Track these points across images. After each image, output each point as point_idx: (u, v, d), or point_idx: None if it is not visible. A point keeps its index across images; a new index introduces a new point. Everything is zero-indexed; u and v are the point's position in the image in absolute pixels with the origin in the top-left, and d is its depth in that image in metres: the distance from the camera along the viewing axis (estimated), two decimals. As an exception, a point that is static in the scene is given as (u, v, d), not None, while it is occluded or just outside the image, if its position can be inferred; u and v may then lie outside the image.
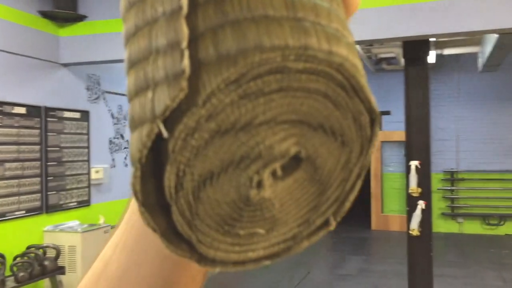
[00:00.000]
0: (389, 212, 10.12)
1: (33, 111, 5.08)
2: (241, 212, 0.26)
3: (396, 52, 7.52)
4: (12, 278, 4.44)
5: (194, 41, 0.23)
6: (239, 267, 0.27)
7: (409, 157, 4.86)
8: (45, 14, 5.24)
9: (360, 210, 9.56)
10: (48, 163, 5.26)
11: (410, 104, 4.85)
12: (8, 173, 4.78)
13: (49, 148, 5.26)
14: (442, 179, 9.91)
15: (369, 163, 0.28)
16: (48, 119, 5.26)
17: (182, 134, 0.23)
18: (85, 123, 5.83)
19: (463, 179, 9.89)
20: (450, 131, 9.91)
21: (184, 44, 0.23)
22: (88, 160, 5.88)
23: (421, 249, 4.80)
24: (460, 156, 9.90)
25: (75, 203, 5.66)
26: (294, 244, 0.28)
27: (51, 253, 4.86)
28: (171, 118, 0.23)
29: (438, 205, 9.78)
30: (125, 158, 6.66)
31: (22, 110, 4.94)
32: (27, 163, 4.99)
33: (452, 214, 9.89)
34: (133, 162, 0.24)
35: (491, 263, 7.46)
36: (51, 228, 5.21)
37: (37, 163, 5.13)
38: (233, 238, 0.26)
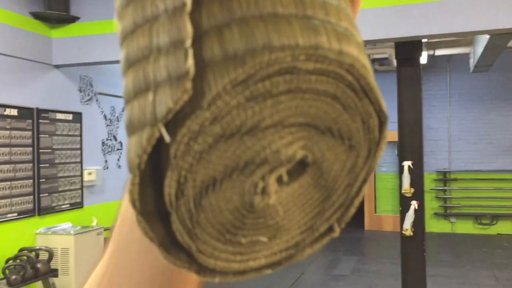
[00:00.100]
0: (382, 212, 10.15)
1: (25, 112, 5.05)
2: (244, 219, 0.24)
3: (389, 52, 7.55)
4: (4, 281, 4.41)
5: (197, 40, 0.22)
6: (240, 277, 0.26)
7: (402, 157, 4.88)
8: (37, 16, 5.21)
9: (354, 211, 9.56)
10: (41, 165, 5.23)
11: (402, 104, 4.87)
12: None
13: (41, 150, 5.23)
14: (435, 179, 9.96)
15: (375, 168, 0.27)
16: (40, 120, 5.23)
17: (185, 138, 0.22)
18: (78, 125, 5.81)
19: (455, 179, 9.94)
20: (442, 131, 9.96)
21: (188, 42, 0.22)
22: (80, 162, 5.85)
23: (414, 249, 4.82)
24: (453, 156, 9.95)
25: (68, 205, 5.63)
26: (297, 252, 0.27)
27: (43, 256, 4.83)
28: (173, 122, 0.22)
29: (431, 205, 9.83)
30: (118, 159, 6.64)
31: (14, 112, 4.91)
32: (19, 165, 4.96)
33: (445, 214, 9.94)
34: (131, 169, 0.23)
35: (483, 262, 7.50)
36: (43, 230, 5.18)
37: (29, 165, 5.10)
38: (234, 247, 0.25)
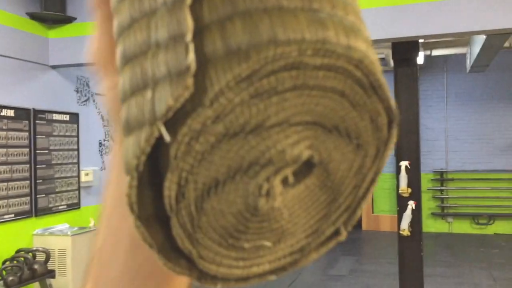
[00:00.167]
0: (379, 213, 10.17)
1: (22, 113, 5.03)
2: (247, 223, 0.23)
3: (386, 53, 7.56)
4: (1, 282, 4.39)
5: (198, 34, 0.21)
6: (242, 283, 0.25)
7: (399, 158, 4.88)
8: (33, 16, 5.20)
9: (351, 211, 9.56)
10: (37, 166, 5.21)
11: (399, 104, 4.87)
12: (-4, 176, 4.73)
13: (38, 151, 5.22)
14: (432, 179, 9.97)
15: (383, 168, 0.26)
16: (37, 121, 5.22)
17: (185, 138, 0.21)
18: (75, 126, 5.79)
19: (452, 179, 9.96)
20: (439, 131, 9.98)
21: (189, 36, 0.21)
22: (77, 163, 5.84)
23: (411, 249, 4.82)
24: (450, 156, 9.97)
25: (65, 206, 5.62)
26: (302, 257, 0.26)
27: (40, 257, 4.82)
28: (174, 120, 0.21)
29: (428, 205, 9.84)
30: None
31: (11, 113, 4.90)
32: (15, 166, 4.95)
33: (442, 214, 9.95)
34: (128, 171, 0.22)
35: (481, 262, 7.51)
36: (40, 231, 5.16)
37: (26, 166, 5.09)
38: (237, 252, 0.24)
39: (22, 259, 4.65)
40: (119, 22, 0.25)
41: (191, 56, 0.21)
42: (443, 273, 6.90)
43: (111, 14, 0.26)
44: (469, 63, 7.92)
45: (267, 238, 0.24)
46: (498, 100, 9.67)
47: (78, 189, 5.84)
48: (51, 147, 5.41)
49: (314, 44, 0.21)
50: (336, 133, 0.24)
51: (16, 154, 4.96)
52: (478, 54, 6.79)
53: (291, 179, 0.23)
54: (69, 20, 5.35)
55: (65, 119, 5.64)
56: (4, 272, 4.44)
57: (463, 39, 7.33)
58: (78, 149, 5.83)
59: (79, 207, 5.85)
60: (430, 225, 9.87)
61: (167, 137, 0.21)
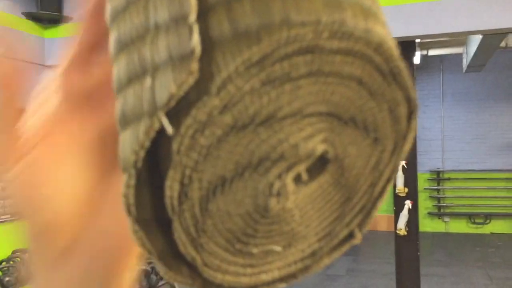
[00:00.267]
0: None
1: (18, 113, 5.02)
2: (256, 226, 0.21)
3: (382, 53, 7.56)
4: (-3, 283, 4.38)
5: (202, 15, 0.19)
6: None
7: (395, 157, 4.89)
8: (29, 16, 5.18)
9: (348, 211, 9.59)
10: (34, 166, 5.20)
11: (396, 104, 4.88)
12: (-8, 177, 4.72)
13: (34, 151, 5.20)
14: (429, 179, 9.99)
15: (400, 165, 0.24)
16: (33, 121, 5.20)
17: (190, 130, 0.19)
18: (71, 126, 5.78)
19: (449, 179, 9.98)
20: (435, 131, 10.00)
21: (193, 17, 0.19)
22: (74, 163, 5.82)
23: (408, 249, 4.83)
24: (446, 156, 9.99)
25: (61, 207, 5.61)
26: (313, 263, 0.24)
27: (37, 257, 4.81)
28: (176, 111, 0.19)
29: (425, 204, 9.86)
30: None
31: (7, 113, 4.89)
32: (12, 167, 4.93)
33: (439, 213, 9.97)
34: (125, 168, 0.20)
35: (477, 261, 7.53)
36: (37, 232, 5.15)
37: (22, 166, 5.07)
38: (245, 258, 0.22)
39: (19, 259, 4.63)
40: (113, 6, 0.23)
41: (196, 38, 0.19)
42: (439, 273, 6.91)
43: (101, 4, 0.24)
44: (465, 63, 7.94)
45: (277, 242, 0.22)
46: (494, 100, 9.70)
47: (75, 189, 5.82)
48: (48, 147, 5.40)
49: (331, 25, 0.19)
50: (352, 126, 0.22)
51: (12, 155, 4.94)
52: (475, 54, 6.81)
53: (304, 176, 0.21)
54: (65, 20, 5.34)
55: (61, 119, 5.62)
56: (0, 273, 4.42)
57: (459, 39, 7.35)
58: (74, 149, 5.82)
59: (76, 208, 5.83)
60: (427, 225, 9.89)
61: (169, 129, 0.19)
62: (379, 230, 9.87)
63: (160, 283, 4.77)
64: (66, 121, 0.28)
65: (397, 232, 4.82)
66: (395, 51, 0.21)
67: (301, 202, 0.22)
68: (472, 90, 9.76)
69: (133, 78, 0.20)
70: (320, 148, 0.21)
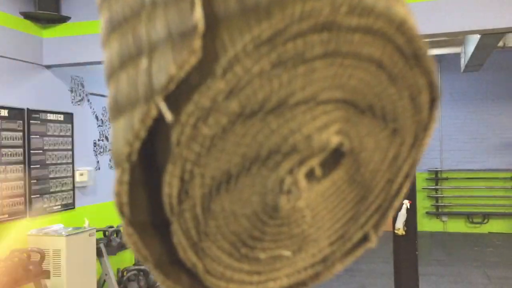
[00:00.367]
0: (374, 212, 10.19)
1: (16, 113, 5.00)
2: (264, 228, 0.19)
3: (380, 52, 7.56)
4: (-5, 283, 4.37)
5: None
6: None
7: (394, 157, 4.89)
8: (27, 16, 5.17)
9: (346, 210, 9.59)
10: (32, 166, 5.19)
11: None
12: (-10, 177, 4.71)
13: (32, 151, 5.19)
14: (427, 179, 9.99)
15: (419, 160, 0.21)
16: (31, 121, 5.19)
17: (191, 118, 0.17)
18: (69, 125, 5.76)
19: (447, 178, 9.98)
20: (434, 130, 10.01)
21: None
22: (72, 163, 5.81)
23: (406, 248, 4.83)
24: (444, 156, 9.99)
25: (59, 207, 5.59)
26: (324, 269, 0.22)
27: (35, 257, 4.79)
28: (176, 96, 0.17)
29: (423, 204, 9.86)
30: (110, 160, 6.60)
31: (4, 113, 4.87)
32: (10, 166, 4.92)
33: (437, 213, 9.97)
34: (118, 162, 0.18)
35: (475, 261, 7.54)
36: (35, 232, 5.14)
37: (20, 166, 5.06)
38: (251, 264, 0.20)
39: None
40: None
41: (198, 11, 0.16)
42: (438, 272, 6.91)
43: None
44: (463, 62, 7.94)
45: (286, 246, 0.20)
46: (492, 99, 9.70)
47: (73, 189, 5.81)
48: (45, 147, 5.38)
49: (350, 0, 0.16)
50: (370, 115, 0.19)
51: (10, 154, 4.93)
52: (472, 54, 6.81)
53: (318, 171, 0.19)
54: (64, 19, 5.33)
55: (59, 119, 5.61)
56: (-2, 273, 4.41)
57: (457, 38, 7.35)
58: (72, 149, 5.80)
59: (74, 208, 5.82)
60: (425, 224, 9.89)
61: (168, 116, 0.16)
62: (378, 230, 9.88)
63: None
64: None
65: (396, 231, 4.82)
66: (417, 32, 0.19)
67: (313, 201, 0.19)
68: (470, 89, 9.75)
69: (127, 60, 0.18)
70: (335, 140, 0.19)
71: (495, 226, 9.70)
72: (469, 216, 9.81)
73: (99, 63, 5.42)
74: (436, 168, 10.02)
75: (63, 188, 5.67)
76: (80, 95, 6.01)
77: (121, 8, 0.18)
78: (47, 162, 5.41)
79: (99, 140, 6.40)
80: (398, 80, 0.19)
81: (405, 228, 4.80)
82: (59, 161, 5.60)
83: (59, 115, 5.61)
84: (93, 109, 6.28)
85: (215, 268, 0.19)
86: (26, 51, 5.19)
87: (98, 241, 5.40)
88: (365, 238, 0.22)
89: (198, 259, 0.19)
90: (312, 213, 0.20)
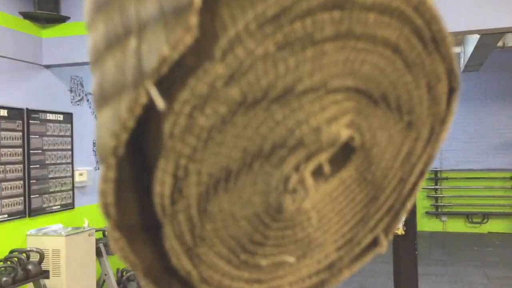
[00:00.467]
0: (374, 212, 10.19)
1: (15, 113, 5.00)
2: (267, 231, 0.17)
3: (380, 52, 7.56)
4: (-6, 283, 4.36)
5: None
6: None
7: (393, 157, 4.89)
8: (26, 15, 5.16)
9: (346, 210, 9.60)
10: (31, 166, 5.18)
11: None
12: (-10, 177, 4.71)
13: (31, 151, 5.18)
14: (426, 178, 9.98)
15: (435, 157, 0.19)
16: (31, 121, 5.18)
17: (186, 106, 0.14)
18: (69, 125, 5.76)
19: (446, 178, 9.98)
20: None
21: None
22: (71, 163, 5.80)
23: (406, 248, 4.83)
24: (444, 155, 9.98)
25: (59, 206, 5.59)
26: (330, 277, 0.19)
27: (34, 257, 4.79)
28: (169, 82, 0.14)
29: (423, 204, 9.86)
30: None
31: (4, 113, 4.86)
32: (9, 166, 4.91)
33: (436, 212, 9.97)
34: (103, 157, 0.15)
35: (475, 260, 7.54)
36: (34, 231, 5.13)
37: (20, 166, 5.05)
38: (251, 271, 0.17)
39: (16, 259, 4.61)
40: None
41: None
42: (437, 272, 6.91)
43: None
44: (462, 62, 7.94)
45: (290, 251, 0.18)
46: (492, 99, 9.70)
47: (72, 189, 5.81)
48: (45, 147, 5.38)
49: None
50: (383, 106, 0.17)
51: (10, 154, 4.92)
52: (472, 54, 6.81)
53: (326, 168, 0.17)
54: (63, 19, 5.32)
55: (59, 119, 5.60)
56: (-3, 273, 4.41)
57: (456, 38, 7.35)
58: (72, 149, 5.80)
59: (73, 207, 5.81)
60: (425, 224, 9.89)
61: (160, 103, 0.14)
62: (377, 230, 9.88)
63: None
64: None
65: (395, 231, 4.82)
66: (438, 12, 0.17)
67: (320, 202, 0.17)
68: (469, 89, 9.75)
69: (114, 42, 0.15)
70: (345, 134, 0.16)
71: (494, 226, 9.69)
72: (468, 216, 9.81)
73: (98, 63, 5.42)
74: (435, 168, 10.02)
75: (63, 188, 5.66)
76: (79, 95, 6.01)
77: None
78: (47, 162, 5.41)
79: (98, 140, 6.40)
80: (415, 67, 0.17)
81: (405, 228, 4.80)
82: (58, 161, 5.59)
83: (58, 115, 5.60)
84: (93, 109, 6.27)
85: (211, 276, 0.17)
86: (25, 51, 5.18)
87: (97, 241, 5.39)
88: (374, 242, 0.20)
89: (193, 267, 0.16)
90: (318, 215, 0.18)
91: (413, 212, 4.87)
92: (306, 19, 0.14)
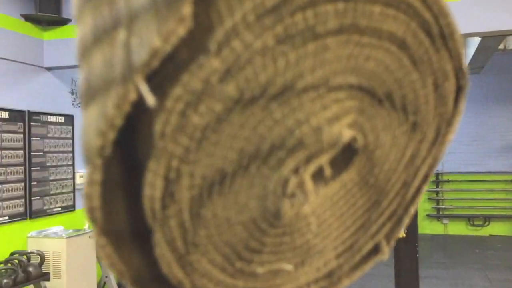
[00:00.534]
0: (375, 214, 10.18)
1: (16, 115, 5.00)
2: (263, 238, 0.16)
3: (381, 55, 7.56)
4: (-5, 285, 4.36)
5: None
6: None
7: (394, 159, 4.88)
8: (28, 18, 5.17)
9: (347, 213, 9.60)
10: (32, 168, 5.18)
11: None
12: (-9, 179, 4.71)
13: (32, 153, 5.18)
14: (427, 181, 10.00)
15: (440, 160, 0.18)
16: (32, 123, 5.18)
17: (179, 104, 0.13)
18: (70, 127, 5.76)
19: (448, 181, 9.96)
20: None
21: None
22: (72, 165, 5.80)
23: (407, 251, 4.82)
24: (445, 158, 9.98)
25: (60, 209, 5.59)
26: (330, 285, 0.18)
27: (35, 259, 4.78)
28: (161, 77, 0.13)
29: (424, 206, 9.84)
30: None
31: (5, 115, 4.87)
32: (10, 168, 4.91)
33: (438, 215, 9.95)
34: (89, 157, 0.14)
35: (476, 263, 7.52)
36: (35, 234, 5.13)
37: (21, 168, 5.05)
38: (247, 280, 0.16)
39: (17, 261, 4.61)
40: None
41: None
42: (438, 275, 6.89)
43: None
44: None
45: (288, 259, 0.17)
46: (493, 102, 9.69)
47: (73, 191, 5.80)
48: (46, 149, 5.38)
49: None
50: (387, 105, 0.16)
51: (11, 156, 4.92)
52: (473, 56, 6.81)
53: (327, 171, 0.16)
54: (64, 22, 5.32)
55: (60, 121, 5.60)
56: (-2, 275, 4.40)
57: (458, 41, 7.36)
58: (73, 151, 5.80)
59: (74, 210, 5.81)
60: (426, 227, 9.87)
61: (150, 99, 0.13)
62: (378, 232, 9.86)
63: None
64: None
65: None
66: (447, 6, 0.15)
67: (320, 207, 0.16)
68: (471, 92, 9.72)
69: (102, 35, 0.14)
70: (347, 134, 0.15)
71: (496, 228, 9.67)
72: (470, 219, 9.79)
73: (99, 65, 5.42)
74: (437, 171, 10.02)
75: (64, 190, 5.66)
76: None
77: None
78: (48, 164, 5.41)
79: (99, 142, 6.40)
80: (422, 64, 0.16)
81: (406, 231, 4.79)
82: (59, 163, 5.59)
83: (59, 117, 5.60)
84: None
85: (204, 285, 0.15)
86: (26, 53, 5.18)
87: (98, 243, 5.39)
88: (375, 249, 0.19)
89: (185, 275, 0.15)
90: (318, 221, 0.16)
91: (414, 215, 4.87)
92: (308, 10, 0.13)
